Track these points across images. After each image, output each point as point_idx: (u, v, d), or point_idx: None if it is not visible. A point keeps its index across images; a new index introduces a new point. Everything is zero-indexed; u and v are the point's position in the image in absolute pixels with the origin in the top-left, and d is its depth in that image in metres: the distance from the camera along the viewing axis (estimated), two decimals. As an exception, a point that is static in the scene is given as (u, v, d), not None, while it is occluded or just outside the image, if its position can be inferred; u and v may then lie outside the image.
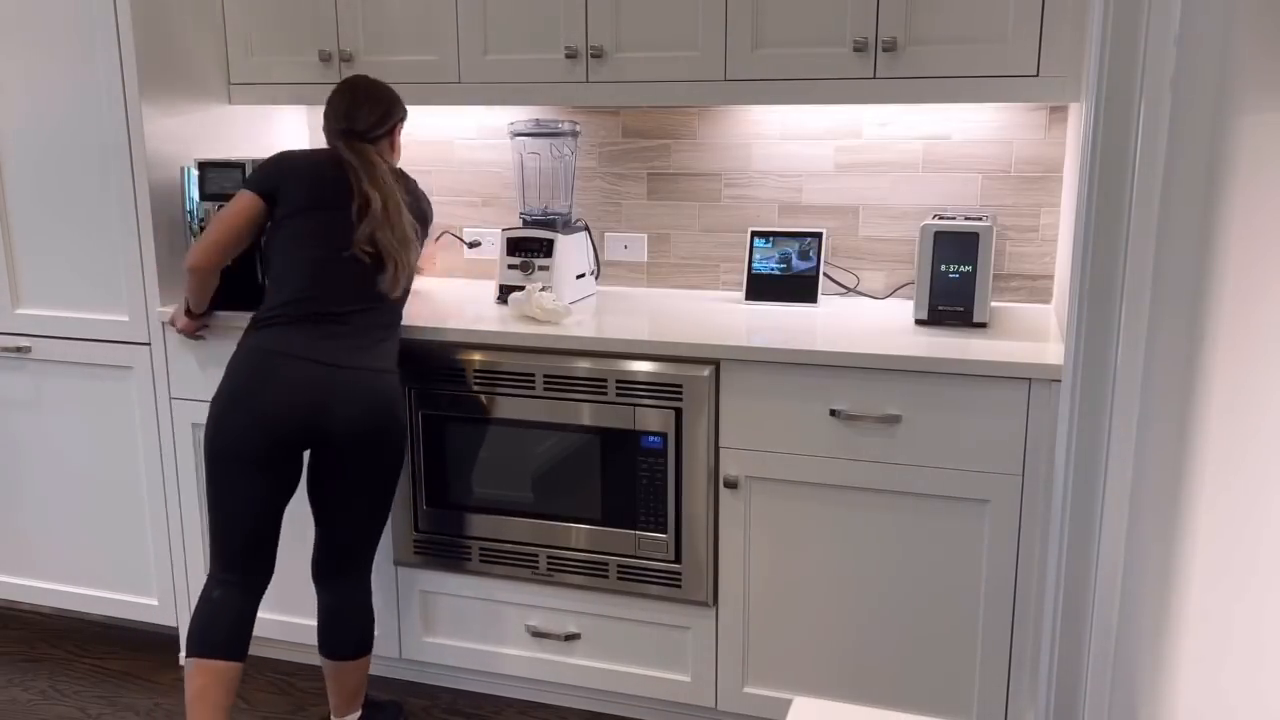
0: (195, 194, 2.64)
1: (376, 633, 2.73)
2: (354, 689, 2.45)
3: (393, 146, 2.50)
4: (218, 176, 2.61)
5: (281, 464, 2.23)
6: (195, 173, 2.63)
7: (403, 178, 2.46)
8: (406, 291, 2.41)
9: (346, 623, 2.38)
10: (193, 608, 2.40)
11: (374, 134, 2.44)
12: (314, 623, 2.44)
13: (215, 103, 2.85)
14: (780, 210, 2.86)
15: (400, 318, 2.44)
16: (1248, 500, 1.14)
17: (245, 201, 2.38)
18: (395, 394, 2.31)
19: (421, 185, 2.53)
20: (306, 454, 2.32)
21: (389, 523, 2.64)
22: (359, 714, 2.49)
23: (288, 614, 2.80)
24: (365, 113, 2.42)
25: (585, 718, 2.66)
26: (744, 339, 2.37)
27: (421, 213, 2.47)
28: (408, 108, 2.52)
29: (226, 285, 2.53)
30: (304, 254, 2.32)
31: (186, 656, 2.23)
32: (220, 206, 2.60)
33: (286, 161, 2.42)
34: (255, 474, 2.21)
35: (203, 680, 2.20)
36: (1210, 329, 1.16)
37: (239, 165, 2.59)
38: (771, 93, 2.47)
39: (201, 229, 2.63)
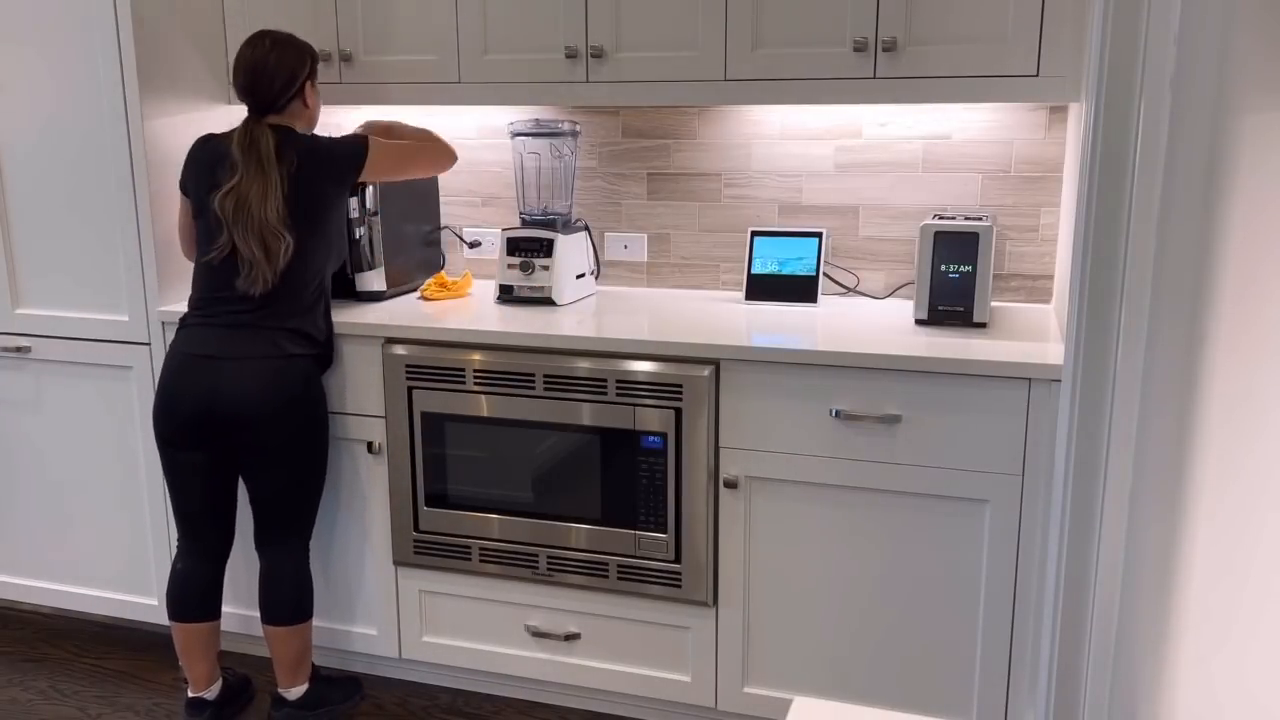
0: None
1: (375, 632, 2.73)
2: (294, 658, 2.51)
3: (306, 105, 2.47)
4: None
5: (197, 447, 2.40)
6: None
7: (292, 145, 2.38)
8: (306, 276, 2.40)
9: (279, 587, 2.49)
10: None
11: (280, 104, 2.43)
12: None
13: (215, 103, 2.85)
14: (780, 210, 2.86)
15: (306, 305, 2.42)
16: (1248, 501, 1.14)
17: (180, 203, 2.55)
18: (281, 378, 2.38)
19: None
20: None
21: (389, 519, 2.64)
22: (306, 686, 2.55)
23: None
24: (264, 85, 2.40)
25: (585, 718, 2.66)
26: (744, 339, 2.37)
27: (322, 173, 2.41)
28: (410, 106, 2.49)
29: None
30: (202, 253, 2.44)
31: (168, 619, 2.54)
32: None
33: (192, 152, 2.48)
34: (181, 455, 2.42)
35: (184, 638, 2.53)
36: (1210, 329, 1.16)
37: (239, 165, 2.59)
38: (771, 93, 2.47)
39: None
